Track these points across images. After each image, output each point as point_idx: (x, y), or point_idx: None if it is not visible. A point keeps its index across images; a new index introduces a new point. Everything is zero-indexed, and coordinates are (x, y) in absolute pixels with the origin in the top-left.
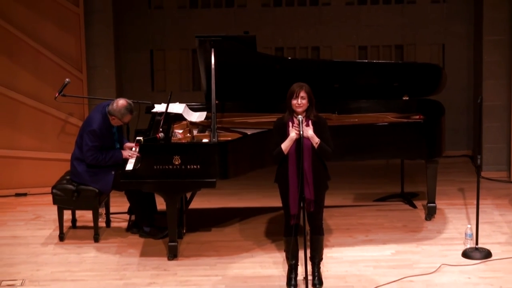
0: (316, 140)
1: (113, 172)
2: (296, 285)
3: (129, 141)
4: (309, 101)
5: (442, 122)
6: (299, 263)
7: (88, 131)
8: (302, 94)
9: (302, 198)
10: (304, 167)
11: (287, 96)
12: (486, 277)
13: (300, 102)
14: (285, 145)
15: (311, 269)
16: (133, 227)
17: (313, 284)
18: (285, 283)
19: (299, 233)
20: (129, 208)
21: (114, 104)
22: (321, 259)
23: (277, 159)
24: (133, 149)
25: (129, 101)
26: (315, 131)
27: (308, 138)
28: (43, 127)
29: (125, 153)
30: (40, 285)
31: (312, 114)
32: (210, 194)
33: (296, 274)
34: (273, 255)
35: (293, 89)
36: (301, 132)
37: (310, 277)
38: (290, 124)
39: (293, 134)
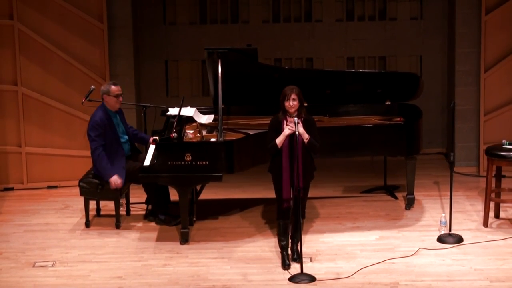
0: (306, 136)
1: (123, 168)
2: (290, 265)
3: (149, 136)
4: (300, 101)
5: (419, 124)
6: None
7: (90, 124)
8: (293, 96)
9: (297, 189)
10: (296, 158)
11: (280, 98)
12: (458, 259)
13: (292, 103)
14: (279, 140)
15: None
16: (149, 216)
17: (293, 259)
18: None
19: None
20: (146, 199)
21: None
22: (299, 238)
23: (271, 151)
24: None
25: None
26: (305, 128)
27: (300, 135)
28: (71, 128)
29: (113, 182)
30: (69, 265)
31: (303, 113)
32: (217, 186)
33: (288, 254)
34: (272, 240)
35: (285, 92)
36: (297, 132)
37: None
38: (284, 122)
39: (286, 130)
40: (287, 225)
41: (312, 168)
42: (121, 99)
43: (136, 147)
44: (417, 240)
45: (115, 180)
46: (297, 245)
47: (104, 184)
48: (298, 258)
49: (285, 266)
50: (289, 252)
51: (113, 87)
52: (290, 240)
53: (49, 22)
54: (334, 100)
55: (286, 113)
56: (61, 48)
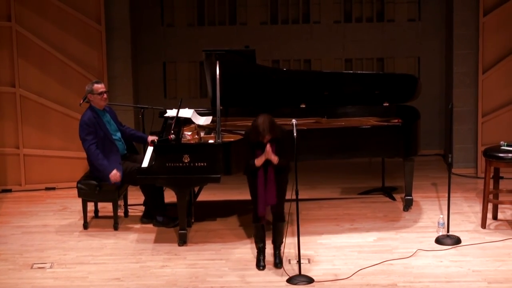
0: (275, 159)
1: (120, 163)
2: (264, 266)
3: (148, 135)
4: (272, 134)
5: (417, 125)
6: (266, 246)
7: (79, 125)
8: (267, 137)
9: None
10: (269, 179)
11: (252, 130)
12: (456, 261)
13: (266, 141)
14: (258, 161)
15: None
16: (144, 218)
17: (275, 264)
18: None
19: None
20: (145, 201)
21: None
22: (282, 242)
23: (250, 169)
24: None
25: None
26: (277, 149)
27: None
28: (69, 130)
29: (112, 177)
30: (67, 267)
31: (278, 135)
32: (215, 188)
33: (264, 256)
34: (270, 241)
35: (257, 130)
36: (294, 134)
37: (271, 258)
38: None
39: (262, 157)
40: (262, 228)
41: (286, 172)
42: (105, 96)
43: (133, 147)
44: (415, 241)
45: (115, 174)
46: (280, 251)
47: (102, 186)
48: (280, 263)
49: (260, 267)
50: (265, 253)
51: (95, 85)
52: (272, 245)
53: (47, 24)
54: (332, 101)
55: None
56: (59, 50)
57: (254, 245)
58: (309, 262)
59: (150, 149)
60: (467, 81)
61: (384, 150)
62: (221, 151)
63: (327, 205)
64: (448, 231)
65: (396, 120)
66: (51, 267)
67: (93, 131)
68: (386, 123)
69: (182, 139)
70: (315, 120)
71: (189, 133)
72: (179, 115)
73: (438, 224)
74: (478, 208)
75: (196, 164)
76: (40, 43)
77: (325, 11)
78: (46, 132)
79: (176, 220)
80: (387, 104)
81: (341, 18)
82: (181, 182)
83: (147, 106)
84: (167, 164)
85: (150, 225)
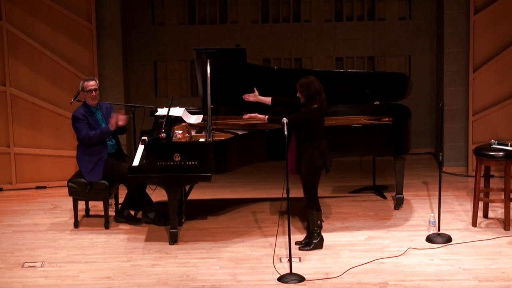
0: (260, 117)
1: (104, 160)
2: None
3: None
4: (302, 93)
5: (408, 124)
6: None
7: (72, 119)
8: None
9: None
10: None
11: None
12: (447, 259)
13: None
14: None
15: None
16: (117, 217)
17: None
18: (271, 265)
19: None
20: (124, 200)
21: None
22: (312, 227)
23: None
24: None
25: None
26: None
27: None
28: (60, 129)
29: (112, 123)
30: (58, 266)
31: (308, 103)
32: (206, 187)
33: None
34: (261, 240)
35: None
36: (285, 133)
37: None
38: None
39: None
40: (316, 215)
41: (305, 165)
42: (94, 93)
43: (122, 150)
44: (406, 240)
45: (113, 122)
46: (308, 232)
47: (93, 185)
48: (306, 245)
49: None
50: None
51: (86, 83)
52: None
53: (37, 22)
54: None
55: None
56: (49, 48)
57: (245, 243)
58: (300, 260)
59: (141, 148)
60: (458, 79)
61: (375, 149)
62: (212, 150)
63: None
64: (439, 229)
65: (387, 119)
66: (42, 266)
67: (86, 124)
68: (377, 122)
69: (173, 138)
70: None
71: (180, 131)
72: (170, 113)
73: (429, 223)
74: (469, 206)
75: (187, 163)
76: (31, 41)
77: (316, 10)
78: (37, 131)
79: (167, 219)
80: (378, 103)
81: (332, 17)
82: (172, 180)
83: (138, 105)
84: (158, 163)
85: (141, 224)
